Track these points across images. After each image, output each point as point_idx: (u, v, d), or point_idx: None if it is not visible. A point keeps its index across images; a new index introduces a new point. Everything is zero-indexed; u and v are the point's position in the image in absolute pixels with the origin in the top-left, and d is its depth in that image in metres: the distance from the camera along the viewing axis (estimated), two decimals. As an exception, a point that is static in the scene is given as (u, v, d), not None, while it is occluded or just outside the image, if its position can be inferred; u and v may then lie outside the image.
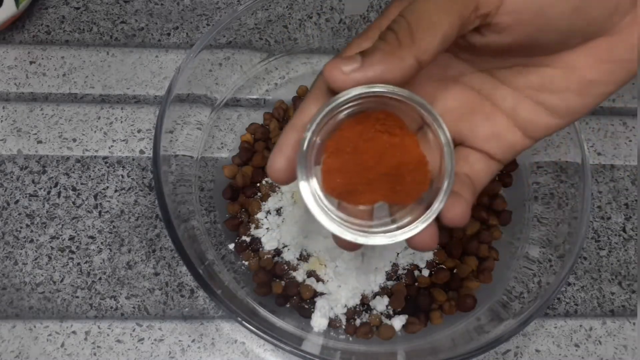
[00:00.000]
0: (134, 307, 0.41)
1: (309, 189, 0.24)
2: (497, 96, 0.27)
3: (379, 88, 0.23)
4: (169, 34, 0.51)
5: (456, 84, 0.27)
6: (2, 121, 0.46)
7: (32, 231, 0.43)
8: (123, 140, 0.46)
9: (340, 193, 0.24)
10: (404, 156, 0.24)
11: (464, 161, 0.27)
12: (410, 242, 0.25)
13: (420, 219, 0.24)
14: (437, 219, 0.25)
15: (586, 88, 0.26)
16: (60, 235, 0.43)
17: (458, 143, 0.28)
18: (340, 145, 0.24)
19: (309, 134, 0.23)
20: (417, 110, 0.24)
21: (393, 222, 0.25)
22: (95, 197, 0.44)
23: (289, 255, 0.41)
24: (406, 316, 0.39)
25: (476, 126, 0.27)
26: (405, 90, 0.23)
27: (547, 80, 0.26)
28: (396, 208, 0.26)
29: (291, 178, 0.25)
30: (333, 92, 0.24)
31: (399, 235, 0.24)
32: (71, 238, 0.43)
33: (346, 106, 0.24)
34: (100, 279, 0.42)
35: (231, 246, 0.41)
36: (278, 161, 0.25)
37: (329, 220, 0.24)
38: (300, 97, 0.46)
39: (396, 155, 0.24)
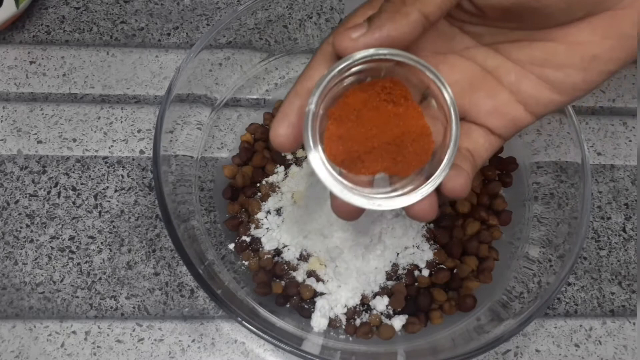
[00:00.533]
0: (134, 307, 0.41)
1: (318, 156, 0.24)
2: (500, 71, 0.27)
3: (385, 50, 0.23)
4: (169, 34, 0.51)
5: (460, 57, 0.27)
6: (2, 121, 0.46)
7: (32, 231, 0.43)
8: (123, 140, 0.46)
9: (343, 161, 0.24)
10: (408, 126, 0.24)
11: (466, 136, 0.27)
12: (410, 211, 0.25)
13: (422, 186, 0.24)
14: (438, 191, 0.25)
15: (589, 64, 0.26)
16: (60, 235, 0.43)
17: (460, 118, 0.28)
18: (343, 113, 0.24)
19: (314, 99, 0.23)
20: (422, 77, 0.24)
21: (393, 191, 0.25)
22: (95, 197, 0.44)
23: (289, 255, 0.41)
24: (406, 316, 0.39)
25: (478, 100, 0.27)
26: (412, 55, 0.23)
27: (550, 55, 0.26)
28: (396, 179, 0.25)
29: (294, 145, 0.25)
30: (338, 58, 0.24)
31: (402, 201, 0.24)
32: (71, 238, 0.43)
33: (351, 71, 0.23)
34: (100, 279, 0.42)
35: (231, 246, 0.41)
36: (281, 128, 0.24)
37: (339, 186, 0.24)
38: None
39: (400, 124, 0.24)
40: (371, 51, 0.23)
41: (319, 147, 0.24)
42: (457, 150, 0.24)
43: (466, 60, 0.27)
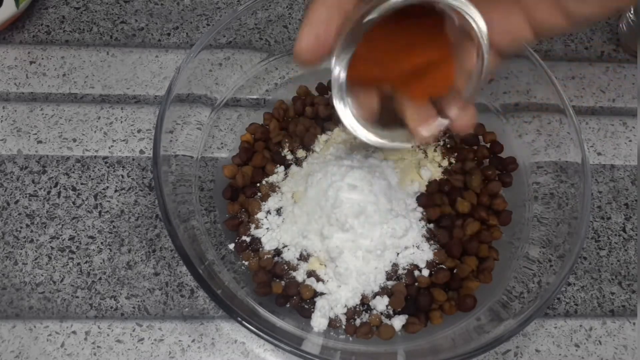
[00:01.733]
0: (134, 307, 0.41)
1: (349, 110, 0.25)
2: None
3: None
4: (169, 34, 0.51)
5: None
6: (2, 121, 0.46)
7: (32, 231, 0.43)
8: (123, 140, 0.46)
9: (363, 78, 0.25)
10: (432, 55, 0.25)
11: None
12: (454, 123, 0.28)
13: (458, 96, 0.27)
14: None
15: None
16: (60, 235, 0.43)
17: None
18: (374, 36, 0.24)
19: (343, 65, 0.24)
20: (454, 11, 0.25)
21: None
22: (95, 197, 0.44)
23: (289, 255, 0.41)
24: (406, 316, 0.39)
25: (493, 21, 0.27)
26: None
27: None
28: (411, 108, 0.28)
29: (318, 59, 0.24)
30: None
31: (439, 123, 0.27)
32: (71, 238, 0.43)
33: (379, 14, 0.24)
34: (100, 279, 0.42)
35: (231, 246, 0.41)
36: (306, 38, 0.23)
37: (374, 135, 0.26)
38: (300, 96, 0.46)
39: (426, 52, 0.25)
40: None
41: (348, 100, 0.25)
42: (487, 72, 0.26)
43: None
